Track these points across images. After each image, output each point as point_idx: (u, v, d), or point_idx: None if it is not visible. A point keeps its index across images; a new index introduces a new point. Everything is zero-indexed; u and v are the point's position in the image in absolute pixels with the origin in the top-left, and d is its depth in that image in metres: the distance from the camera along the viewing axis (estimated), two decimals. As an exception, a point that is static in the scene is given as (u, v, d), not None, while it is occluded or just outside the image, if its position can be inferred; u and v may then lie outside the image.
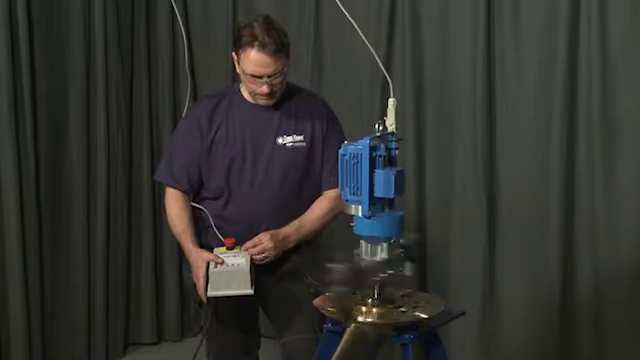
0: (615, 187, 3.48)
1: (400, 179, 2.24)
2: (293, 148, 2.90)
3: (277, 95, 2.86)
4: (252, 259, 2.84)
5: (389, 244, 2.27)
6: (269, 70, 2.77)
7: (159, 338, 4.47)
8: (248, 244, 2.85)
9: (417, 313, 2.30)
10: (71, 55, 3.96)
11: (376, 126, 2.29)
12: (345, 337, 2.25)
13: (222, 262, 2.83)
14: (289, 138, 2.90)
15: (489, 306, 3.77)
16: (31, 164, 3.78)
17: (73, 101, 3.97)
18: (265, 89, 2.80)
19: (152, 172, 4.16)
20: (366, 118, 3.81)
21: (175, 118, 4.39)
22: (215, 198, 2.93)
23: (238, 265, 2.82)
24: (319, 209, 2.93)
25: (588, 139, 3.51)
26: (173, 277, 4.44)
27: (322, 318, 2.40)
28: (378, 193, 2.24)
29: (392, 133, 2.30)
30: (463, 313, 2.47)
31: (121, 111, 4.18)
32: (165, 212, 3.04)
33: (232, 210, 2.91)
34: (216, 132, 2.90)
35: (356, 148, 2.24)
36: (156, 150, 4.37)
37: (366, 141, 2.23)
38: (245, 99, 2.93)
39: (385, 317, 2.28)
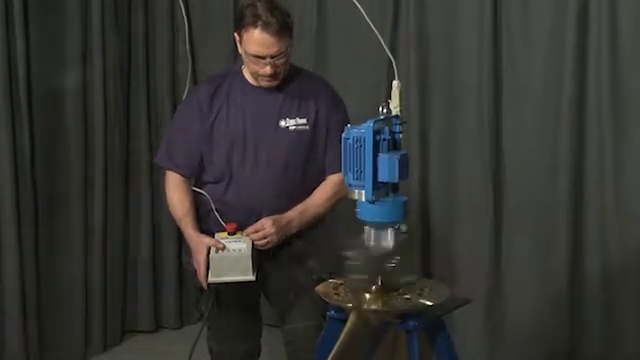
0: (624, 173, 3.54)
1: (404, 163, 2.27)
2: (296, 131, 2.96)
3: (280, 76, 2.91)
4: (254, 244, 2.90)
5: (394, 230, 2.30)
6: (272, 50, 2.82)
7: (157, 326, 4.54)
8: (250, 229, 2.91)
9: (422, 300, 2.34)
10: (68, 37, 4.02)
11: (380, 109, 2.32)
12: (348, 324, 2.29)
13: (223, 247, 2.89)
14: (292, 121, 2.96)
15: (495, 293, 3.83)
16: (26, 148, 3.85)
17: (69, 86, 4.04)
18: (268, 70, 2.85)
19: (151, 156, 4.27)
20: (370, 101, 3.82)
21: (175, 101, 4.45)
22: (216, 182, 2.98)
23: (240, 251, 2.87)
24: (323, 194, 2.99)
25: (598, 125, 3.57)
26: (171, 263, 4.51)
27: (325, 305, 2.44)
28: (382, 177, 2.27)
29: (396, 116, 2.34)
30: (469, 301, 2.50)
31: (118, 95, 4.24)
32: (165, 196, 3.10)
33: (233, 194, 2.96)
34: (217, 115, 2.96)
35: (359, 131, 2.27)
36: (154, 134, 4.43)
37: (369, 124, 2.26)
38: (247, 81, 2.98)
39: (389, 304, 2.32)
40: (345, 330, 2.30)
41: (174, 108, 4.35)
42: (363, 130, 2.27)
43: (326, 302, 2.41)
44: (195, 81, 4.38)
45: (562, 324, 3.67)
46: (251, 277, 2.87)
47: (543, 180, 3.69)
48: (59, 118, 4.01)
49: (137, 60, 4.37)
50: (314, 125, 2.97)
